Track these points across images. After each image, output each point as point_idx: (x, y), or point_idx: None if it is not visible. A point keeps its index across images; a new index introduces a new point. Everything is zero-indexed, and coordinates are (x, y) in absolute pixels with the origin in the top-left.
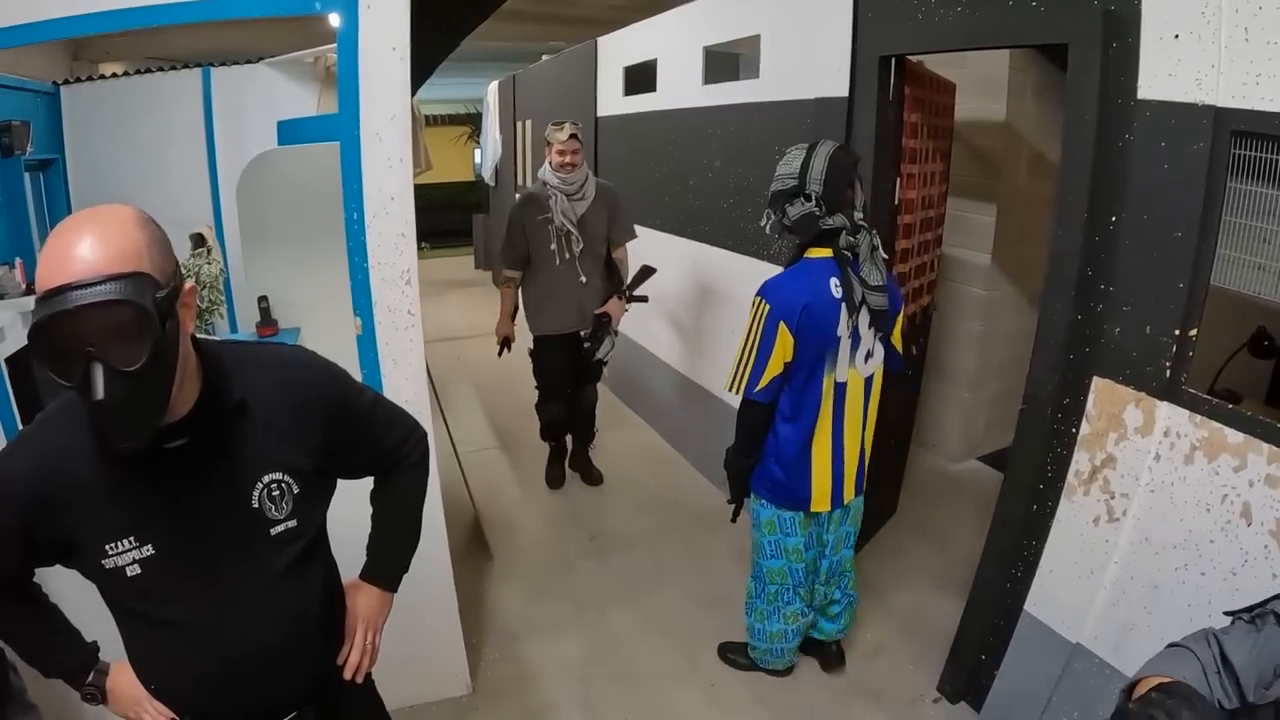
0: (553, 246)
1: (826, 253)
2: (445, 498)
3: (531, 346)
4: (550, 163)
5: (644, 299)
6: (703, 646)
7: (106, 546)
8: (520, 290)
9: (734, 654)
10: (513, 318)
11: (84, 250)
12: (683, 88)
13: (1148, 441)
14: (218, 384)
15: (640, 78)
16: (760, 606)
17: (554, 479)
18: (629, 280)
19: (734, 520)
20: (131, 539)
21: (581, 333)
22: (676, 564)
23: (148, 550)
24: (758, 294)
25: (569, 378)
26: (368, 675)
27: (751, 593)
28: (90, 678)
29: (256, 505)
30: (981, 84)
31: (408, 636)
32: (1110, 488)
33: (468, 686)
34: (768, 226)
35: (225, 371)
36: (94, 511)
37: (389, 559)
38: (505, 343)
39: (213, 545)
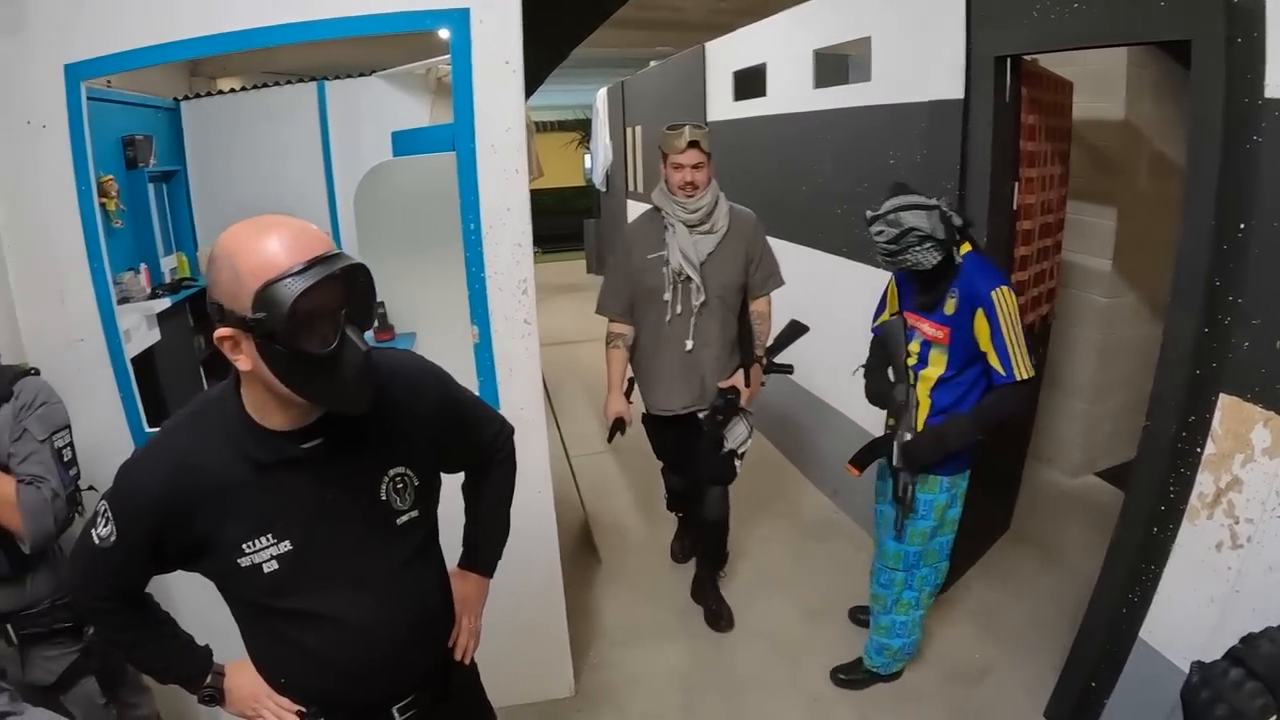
0: (666, 296)
1: (968, 246)
2: (555, 501)
3: (645, 413)
4: (666, 182)
5: (788, 369)
6: (807, 659)
7: (243, 545)
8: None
9: (848, 674)
10: (627, 391)
11: (309, 232)
12: (793, 92)
13: (1276, 464)
14: None
15: (750, 82)
16: (910, 599)
17: (676, 551)
18: (769, 342)
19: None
20: (269, 536)
21: (700, 414)
22: (784, 574)
23: (285, 546)
24: (999, 285)
25: (692, 460)
26: (473, 662)
27: (907, 602)
28: (208, 680)
29: (384, 498)
30: (1099, 81)
31: (515, 636)
32: (1235, 512)
33: (570, 689)
34: (932, 228)
35: None
36: (230, 513)
37: (486, 547)
38: (617, 425)
39: (347, 538)
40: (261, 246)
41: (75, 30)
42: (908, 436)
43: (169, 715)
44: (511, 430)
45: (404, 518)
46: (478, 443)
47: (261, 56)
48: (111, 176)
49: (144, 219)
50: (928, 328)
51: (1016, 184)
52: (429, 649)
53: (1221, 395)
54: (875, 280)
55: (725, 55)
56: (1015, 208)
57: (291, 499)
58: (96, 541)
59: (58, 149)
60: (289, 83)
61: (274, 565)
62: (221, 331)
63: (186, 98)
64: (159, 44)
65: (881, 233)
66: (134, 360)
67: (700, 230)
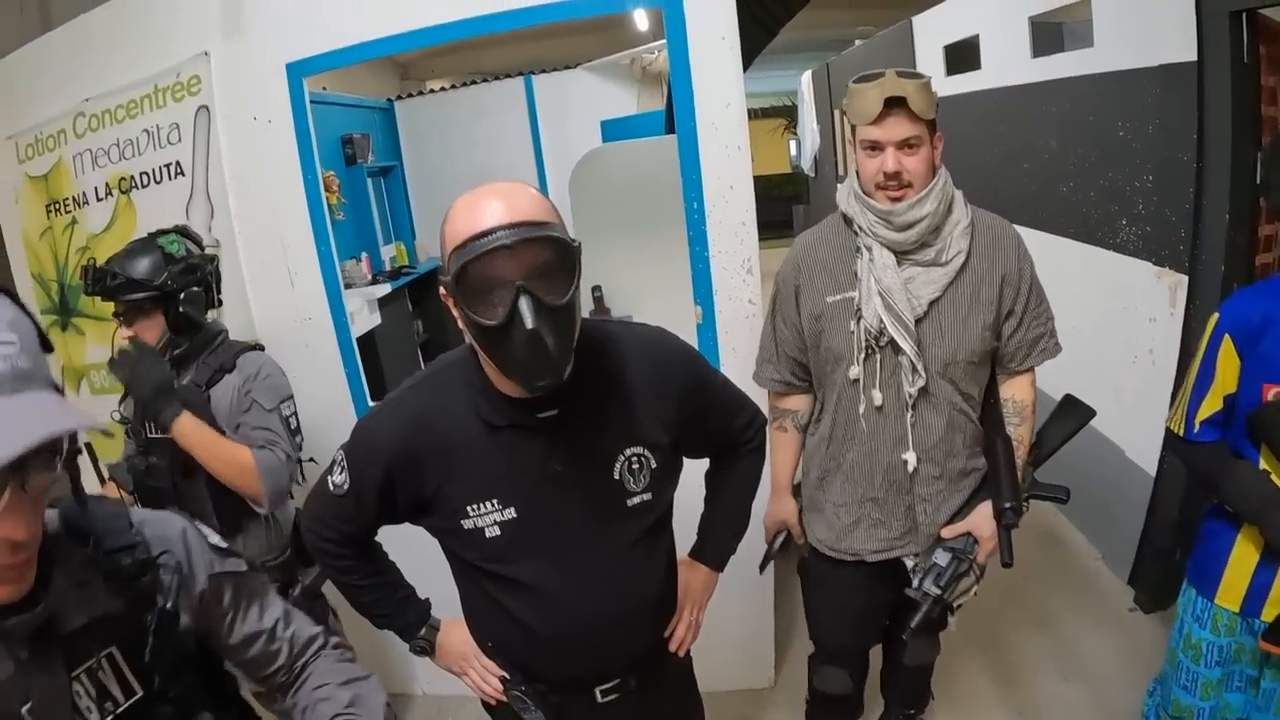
0: (854, 372)
1: None
2: None
3: (805, 555)
4: (858, 173)
5: (1060, 495)
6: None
7: (468, 507)
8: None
9: None
10: (795, 488)
11: (511, 201)
12: (1009, 63)
13: None
14: (589, 357)
15: (962, 56)
16: None
17: None
18: (1027, 446)
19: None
20: (495, 501)
21: (910, 563)
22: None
23: (510, 513)
24: None
25: (874, 631)
26: (688, 654)
27: None
28: (423, 632)
29: (617, 477)
30: None
31: (722, 622)
32: None
33: (770, 680)
34: None
35: (594, 346)
36: (458, 473)
37: (720, 539)
38: (779, 538)
39: (573, 513)
40: (462, 212)
41: (293, 30)
42: None
43: None
44: (765, 420)
45: (636, 499)
46: (727, 429)
47: (468, 56)
48: (332, 172)
49: (364, 211)
50: None
51: (1259, 154)
52: (642, 634)
53: None
54: (1105, 264)
55: (934, 29)
56: (1260, 181)
57: (521, 466)
58: (331, 488)
59: (283, 143)
60: (496, 79)
61: (496, 530)
62: (442, 291)
63: (400, 98)
64: (371, 40)
65: None
66: (357, 341)
67: (918, 260)
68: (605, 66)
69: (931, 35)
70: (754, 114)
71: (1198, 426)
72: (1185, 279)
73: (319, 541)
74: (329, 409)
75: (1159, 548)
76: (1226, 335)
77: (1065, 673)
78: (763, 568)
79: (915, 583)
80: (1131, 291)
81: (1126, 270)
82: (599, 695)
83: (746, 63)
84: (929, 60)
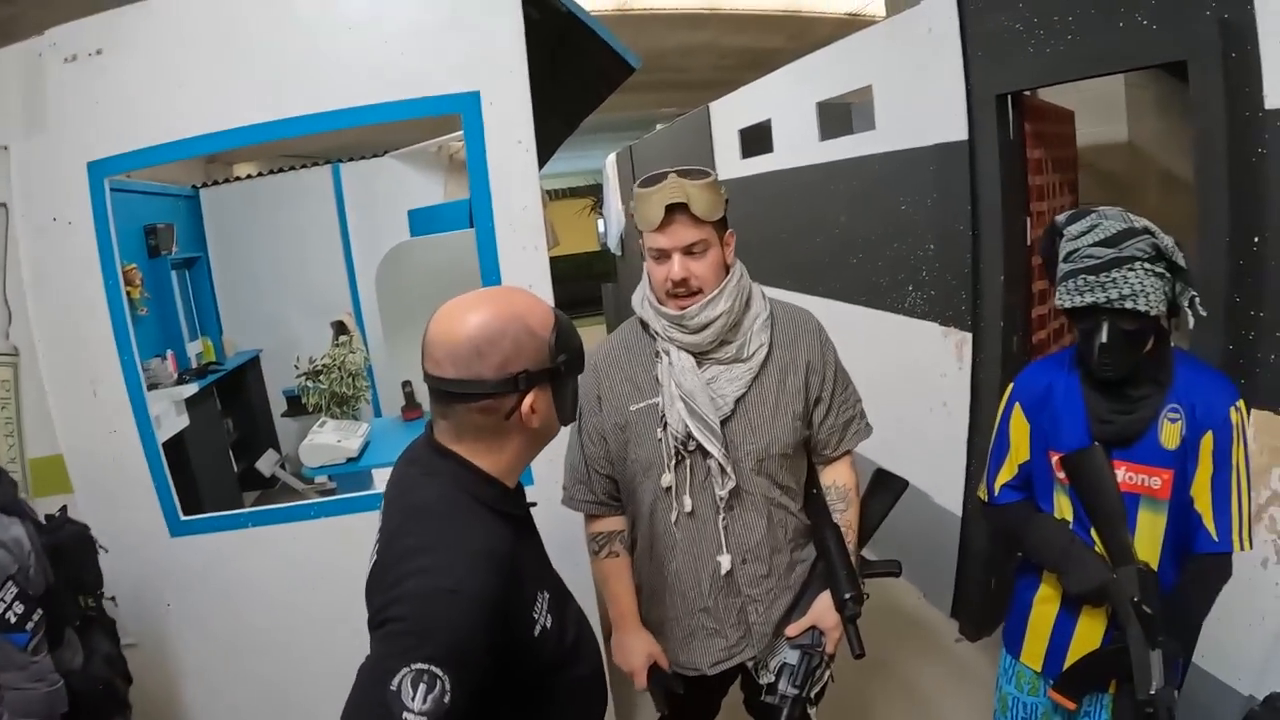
0: (667, 480)
1: None
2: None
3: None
4: (649, 281)
5: (894, 571)
6: None
7: (533, 613)
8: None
9: None
10: (640, 616)
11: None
12: (799, 145)
13: None
14: None
15: (756, 139)
16: None
17: None
18: (855, 530)
19: None
20: (543, 592)
21: (755, 668)
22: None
23: (546, 595)
24: (1236, 396)
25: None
26: None
27: None
28: None
29: None
30: (1099, 105)
31: None
32: (1277, 527)
33: None
34: (1192, 306)
35: None
36: (522, 584)
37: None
38: (660, 683)
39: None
40: (533, 303)
41: (95, 129)
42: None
43: None
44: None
45: None
46: None
47: (277, 142)
48: (135, 265)
49: (168, 305)
50: (1131, 474)
51: (1029, 219)
52: None
53: (1253, 410)
54: (896, 326)
55: (730, 113)
56: (1029, 243)
57: (538, 549)
58: None
59: (83, 243)
60: (304, 166)
61: (550, 619)
62: (533, 398)
63: (205, 185)
64: (175, 140)
65: (1094, 228)
66: (165, 445)
67: (719, 358)
68: (413, 155)
69: (727, 119)
70: (561, 194)
71: (998, 491)
72: (969, 335)
73: None
74: (142, 523)
75: (974, 580)
76: (1017, 404)
77: (907, 708)
78: (661, 708)
79: (763, 681)
80: (922, 350)
81: (916, 331)
82: None
83: (549, 154)
84: (725, 143)
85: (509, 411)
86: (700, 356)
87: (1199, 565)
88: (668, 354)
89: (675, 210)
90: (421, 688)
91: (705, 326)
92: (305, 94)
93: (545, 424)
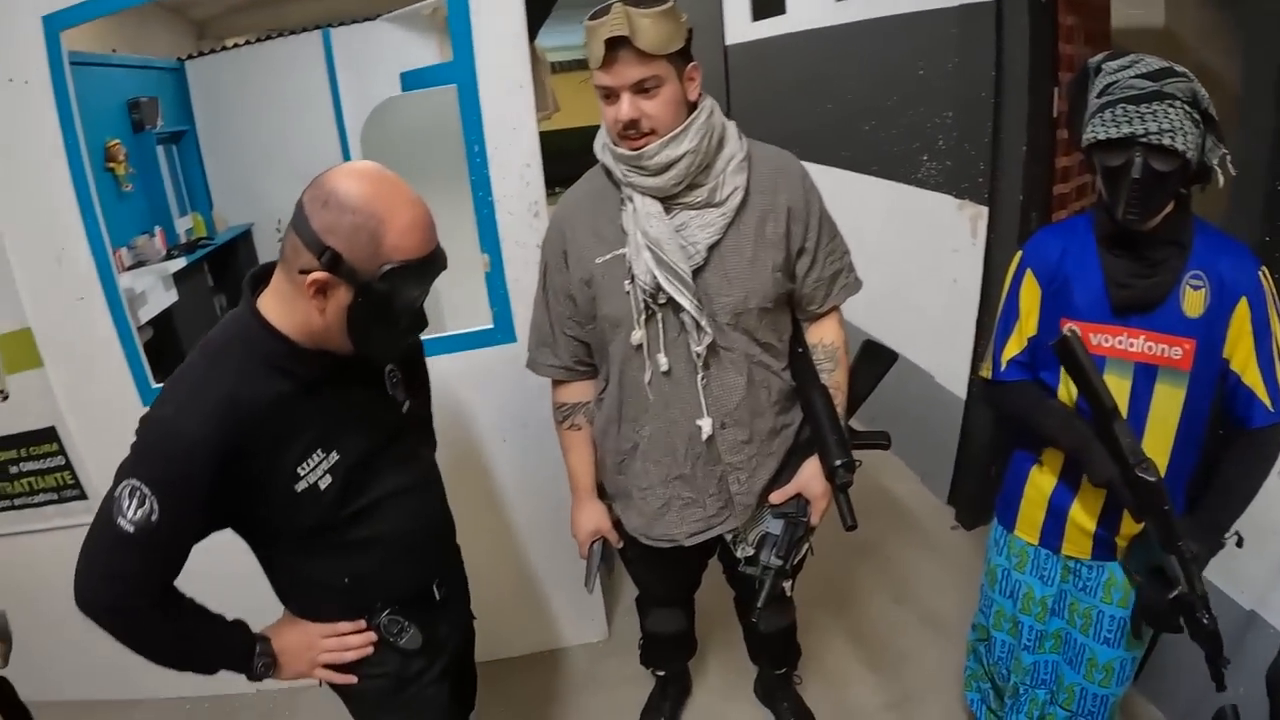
0: (637, 337)
1: None
2: None
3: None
4: (604, 120)
5: (882, 443)
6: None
7: (298, 469)
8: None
9: None
10: (598, 489)
11: (430, 215)
12: (814, 6)
13: None
14: None
15: (767, 1)
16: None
17: None
18: (845, 391)
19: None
20: (319, 452)
21: (734, 541)
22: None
23: (334, 457)
24: (1258, 262)
25: (698, 579)
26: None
27: None
28: (258, 648)
29: (390, 392)
30: None
31: (551, 583)
32: None
33: (604, 633)
34: (1223, 164)
35: None
36: (280, 438)
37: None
38: (597, 546)
39: (377, 434)
40: (408, 224)
41: None
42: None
43: None
44: None
45: (404, 406)
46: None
47: (269, 12)
48: (119, 140)
49: (155, 181)
50: (1151, 343)
51: (1056, 90)
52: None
53: None
54: (908, 198)
55: None
56: (1055, 115)
57: (336, 412)
58: (131, 531)
59: (41, 103)
60: (294, 34)
61: (328, 480)
62: (320, 276)
63: (191, 56)
64: None
65: (1136, 63)
66: (154, 321)
67: (689, 203)
68: (406, 17)
69: None
70: (561, 66)
71: (1004, 365)
72: (985, 210)
73: (125, 614)
74: (113, 394)
75: (973, 466)
76: (1029, 270)
77: (895, 595)
78: (589, 584)
79: (740, 554)
80: (934, 224)
81: (929, 204)
82: (436, 592)
83: (545, 13)
84: (736, 4)
85: (302, 269)
86: (668, 202)
87: (1258, 439)
88: (631, 200)
89: (619, 44)
90: (134, 501)
91: (668, 167)
92: None
93: (330, 324)
